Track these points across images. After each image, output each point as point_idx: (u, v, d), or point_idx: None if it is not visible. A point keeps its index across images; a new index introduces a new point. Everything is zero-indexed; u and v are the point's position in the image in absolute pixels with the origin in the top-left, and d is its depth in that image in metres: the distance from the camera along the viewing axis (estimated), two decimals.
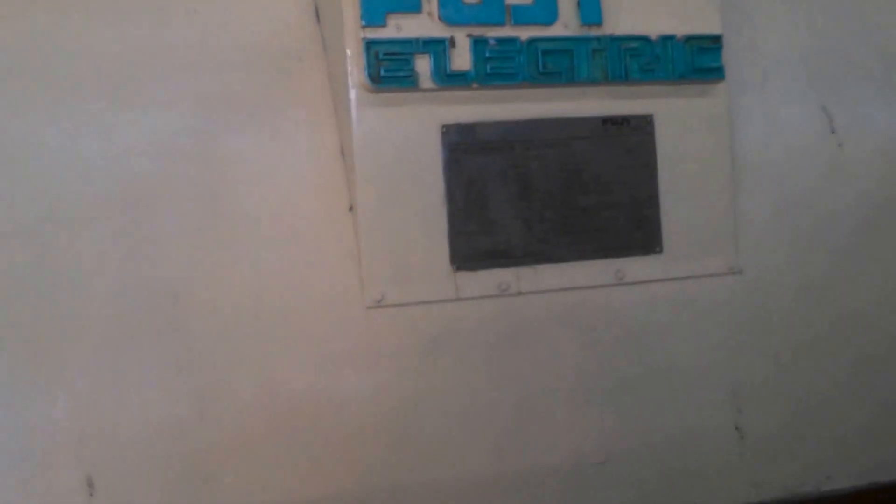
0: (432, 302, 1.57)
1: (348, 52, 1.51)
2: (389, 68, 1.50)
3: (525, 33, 1.56)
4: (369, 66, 1.49)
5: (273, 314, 1.53)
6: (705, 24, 1.65)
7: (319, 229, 1.55)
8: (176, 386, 1.49)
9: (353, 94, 1.52)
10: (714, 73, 1.66)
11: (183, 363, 1.49)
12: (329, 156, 1.57)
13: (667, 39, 1.62)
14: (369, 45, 1.49)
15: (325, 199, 1.56)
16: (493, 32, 1.55)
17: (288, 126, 1.57)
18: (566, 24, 1.59)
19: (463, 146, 1.57)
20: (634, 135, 1.66)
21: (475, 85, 1.54)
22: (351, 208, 1.55)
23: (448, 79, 1.52)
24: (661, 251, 1.68)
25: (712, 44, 1.65)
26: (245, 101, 1.55)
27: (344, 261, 1.55)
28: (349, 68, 1.51)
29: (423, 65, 1.52)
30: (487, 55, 1.54)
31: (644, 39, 1.61)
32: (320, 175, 1.57)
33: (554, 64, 1.57)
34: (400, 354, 1.57)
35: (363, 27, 1.48)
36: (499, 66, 1.55)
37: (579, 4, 1.58)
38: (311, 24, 1.59)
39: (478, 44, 1.54)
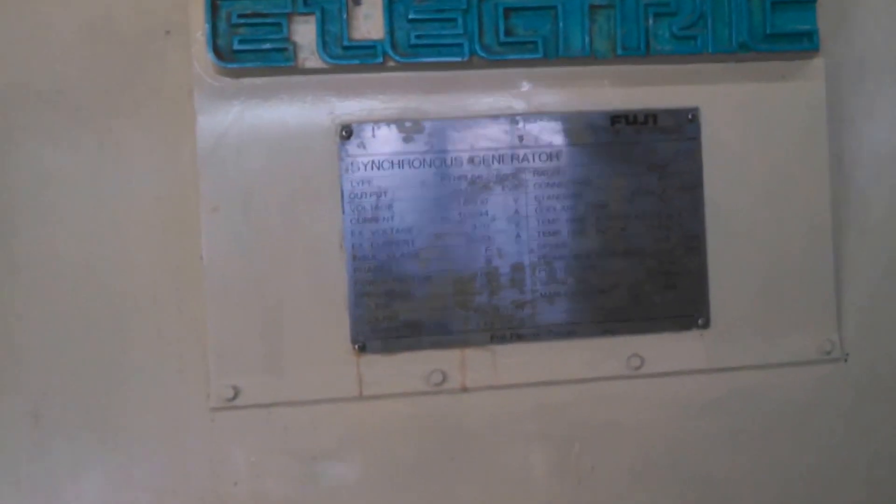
0: (319, 402, 1.14)
1: (189, 13, 1.09)
2: (248, 37, 1.08)
3: None
4: (216, 34, 1.07)
5: (79, 411, 1.14)
6: None
7: (156, 287, 1.15)
8: None
9: (195, 78, 1.10)
10: (803, 41, 1.16)
11: None
12: (185, 176, 1.14)
13: None
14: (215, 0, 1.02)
15: (170, 240, 1.14)
16: None
17: (130, 130, 1.14)
18: None
19: (376, 160, 1.14)
20: (666, 140, 1.17)
21: (393, 63, 1.09)
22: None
23: (348, 53, 1.09)
24: (706, 324, 1.19)
25: None
26: (72, 94, 1.13)
27: (186, 337, 1.14)
28: (191, 39, 1.10)
29: (306, 32, 1.09)
30: (412, 16, 1.09)
31: None
32: (168, 205, 1.14)
33: (525, 28, 1.12)
34: (261, 482, 1.15)
35: None
36: (432, 34, 1.10)
37: None
38: None
39: None
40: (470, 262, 1.14)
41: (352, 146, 1.12)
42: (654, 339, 1.18)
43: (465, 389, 1.16)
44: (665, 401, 1.20)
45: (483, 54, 1.10)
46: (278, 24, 1.07)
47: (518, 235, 1.14)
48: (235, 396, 1.12)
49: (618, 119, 1.16)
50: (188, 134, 1.12)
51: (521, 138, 1.14)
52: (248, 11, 1.06)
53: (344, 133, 1.11)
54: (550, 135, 1.15)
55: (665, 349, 1.18)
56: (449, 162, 1.13)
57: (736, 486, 1.21)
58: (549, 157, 1.15)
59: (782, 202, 1.19)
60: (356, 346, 1.13)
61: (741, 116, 1.18)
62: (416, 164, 1.13)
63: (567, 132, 1.15)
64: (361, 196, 1.12)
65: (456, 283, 1.14)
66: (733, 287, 1.19)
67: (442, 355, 1.15)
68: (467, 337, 1.15)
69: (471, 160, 1.13)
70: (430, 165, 1.13)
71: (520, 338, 1.16)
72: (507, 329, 1.15)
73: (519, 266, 1.15)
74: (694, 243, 1.17)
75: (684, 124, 1.16)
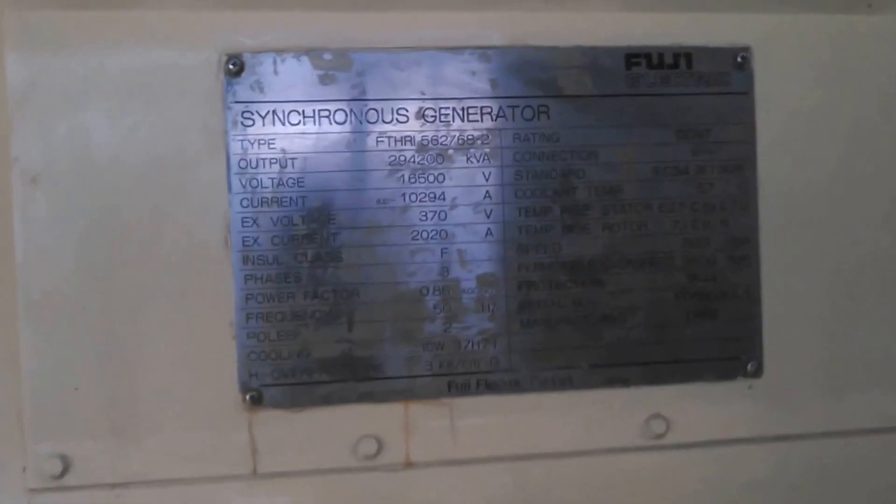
0: (191, 481, 0.80)
1: None
2: None
3: None
4: None
5: None
6: None
7: None
8: None
9: None
10: None
11: None
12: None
13: None
14: None
15: None
16: None
17: None
18: None
19: (279, 109, 0.81)
20: (705, 94, 0.87)
21: None
22: None
23: None
24: (757, 371, 0.88)
25: None
26: None
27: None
28: None
29: None
30: None
31: None
32: None
33: None
34: None
35: None
36: None
37: None
38: None
39: None
40: (418, 271, 0.82)
41: (243, 88, 0.79)
42: (684, 393, 0.87)
43: (409, 465, 0.83)
44: (699, 484, 0.88)
45: None
46: None
47: (489, 232, 0.83)
48: (65, 472, 0.78)
49: (636, 59, 0.85)
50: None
51: (494, 83, 0.83)
52: None
53: (232, 67, 0.79)
54: (538, 80, 0.84)
55: (699, 407, 0.87)
56: (388, 116, 0.82)
57: None
58: (536, 113, 0.84)
59: (871, 189, 0.89)
60: (247, 397, 0.80)
61: (812, 61, 0.88)
62: (340, 117, 0.81)
63: (562, 77, 0.84)
64: (257, 165, 0.80)
65: (397, 303, 0.82)
66: (798, 317, 0.88)
67: (376, 413, 0.82)
68: (414, 385, 0.83)
69: (421, 114, 0.82)
70: (361, 120, 0.81)
71: (490, 388, 0.84)
72: (473, 374, 0.84)
73: (490, 278, 0.83)
74: (742, 250, 0.87)
75: (730, 71, 0.86)
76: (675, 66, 0.85)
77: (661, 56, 0.85)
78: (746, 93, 0.86)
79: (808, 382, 0.88)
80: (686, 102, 0.85)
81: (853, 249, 0.88)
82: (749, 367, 0.87)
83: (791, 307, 0.87)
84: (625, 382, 0.85)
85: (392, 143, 0.81)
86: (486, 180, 0.82)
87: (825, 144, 0.88)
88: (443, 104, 0.82)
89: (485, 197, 0.82)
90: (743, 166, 0.86)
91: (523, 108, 0.83)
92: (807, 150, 0.88)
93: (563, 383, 0.84)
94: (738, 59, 0.86)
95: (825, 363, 0.88)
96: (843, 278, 0.88)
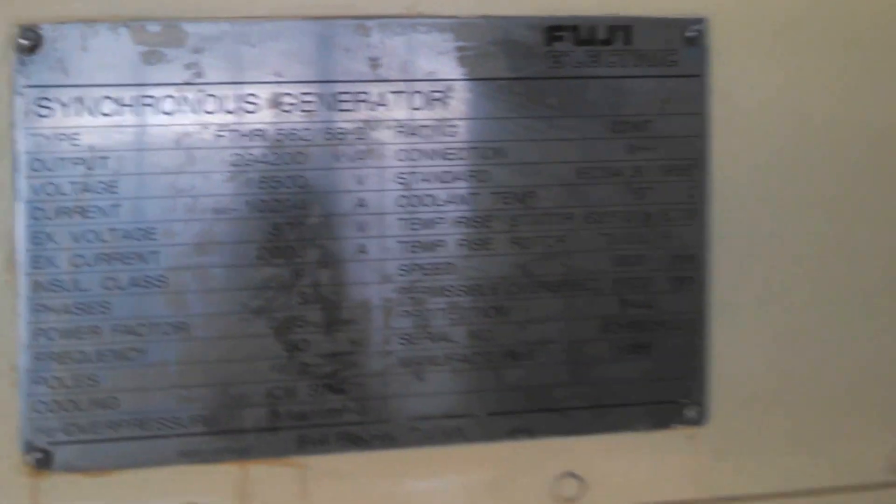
0: None
1: None
2: None
3: None
4: None
5: None
6: None
7: None
8: None
9: None
10: None
11: None
12: None
13: None
14: None
15: None
16: None
17: None
18: None
19: (88, 96, 0.65)
20: (646, 77, 0.72)
21: None
22: None
23: None
24: (699, 418, 0.74)
25: None
26: None
27: None
28: None
29: None
30: None
31: None
32: None
33: None
34: None
35: None
36: None
37: None
38: None
39: None
40: (264, 299, 0.67)
41: (40, 68, 0.64)
42: (606, 445, 0.72)
43: None
44: None
45: None
46: None
47: (361, 249, 0.68)
48: None
49: (559, 33, 0.70)
50: None
51: (374, 63, 0.68)
52: None
53: (25, 41, 0.64)
54: (431, 58, 0.69)
55: (624, 464, 0.73)
56: (232, 104, 0.66)
57: None
58: (428, 100, 0.69)
59: (851, 197, 0.75)
60: (32, 459, 0.65)
61: (783, 37, 0.73)
62: (168, 105, 0.65)
63: (463, 55, 0.69)
64: (56, 164, 0.64)
65: (235, 339, 0.67)
66: (753, 352, 0.74)
67: (203, 477, 0.67)
68: (254, 440, 0.68)
69: (275, 102, 0.67)
70: (196, 110, 0.66)
71: (354, 442, 0.69)
72: (331, 426, 0.69)
73: (362, 305, 0.68)
74: (687, 270, 0.72)
75: (679, 48, 0.71)
76: (609, 42, 0.70)
77: (592, 30, 0.70)
78: (699, 75, 0.72)
79: (763, 433, 0.74)
80: (621, 88, 0.71)
81: (826, 271, 0.74)
82: (688, 412, 0.73)
83: (745, 340, 0.74)
84: (531, 432, 0.71)
85: (236, 139, 0.66)
86: (360, 184, 0.68)
87: (796, 142, 0.73)
88: (304, 89, 0.67)
89: (357, 205, 0.68)
90: (692, 167, 0.72)
91: (411, 94, 0.68)
92: (772, 149, 0.73)
93: (453, 435, 0.70)
94: (690, 34, 0.71)
95: (785, 410, 0.74)
96: (812, 306, 0.74)
